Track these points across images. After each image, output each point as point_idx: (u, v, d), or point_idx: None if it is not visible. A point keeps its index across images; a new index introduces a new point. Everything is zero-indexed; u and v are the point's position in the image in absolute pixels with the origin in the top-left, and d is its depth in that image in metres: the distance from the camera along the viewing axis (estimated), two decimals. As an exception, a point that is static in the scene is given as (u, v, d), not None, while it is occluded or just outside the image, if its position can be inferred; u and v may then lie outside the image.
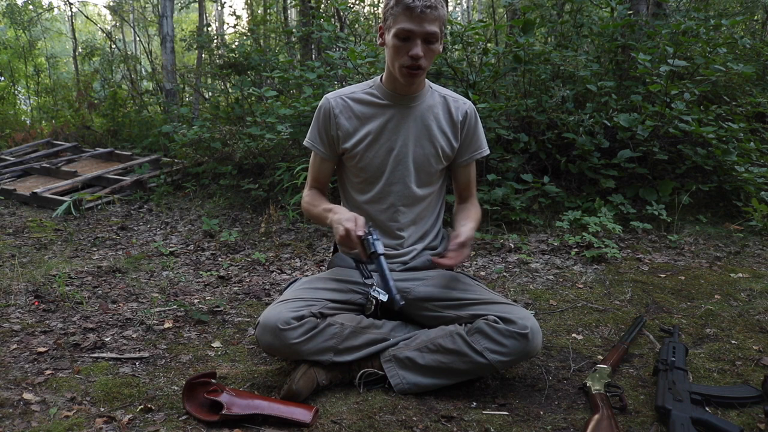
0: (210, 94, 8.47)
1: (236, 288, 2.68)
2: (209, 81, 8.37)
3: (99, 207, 4.72)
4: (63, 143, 7.02)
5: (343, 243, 1.63)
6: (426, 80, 1.83)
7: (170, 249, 3.44)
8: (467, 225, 1.74)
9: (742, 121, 3.65)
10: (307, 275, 2.57)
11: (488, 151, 1.90)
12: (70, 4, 12.11)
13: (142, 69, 10.78)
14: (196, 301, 2.48)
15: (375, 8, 9.51)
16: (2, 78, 11.70)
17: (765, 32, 6.24)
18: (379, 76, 1.81)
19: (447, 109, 1.81)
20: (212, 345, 2.01)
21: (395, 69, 1.69)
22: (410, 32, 1.62)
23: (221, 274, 2.90)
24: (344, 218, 1.63)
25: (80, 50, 12.10)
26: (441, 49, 1.72)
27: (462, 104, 1.83)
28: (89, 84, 9.75)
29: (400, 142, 1.78)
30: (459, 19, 15.90)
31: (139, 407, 1.55)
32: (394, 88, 1.77)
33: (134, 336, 2.07)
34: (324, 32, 4.72)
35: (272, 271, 2.96)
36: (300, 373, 1.60)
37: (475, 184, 1.93)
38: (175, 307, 2.37)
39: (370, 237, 1.61)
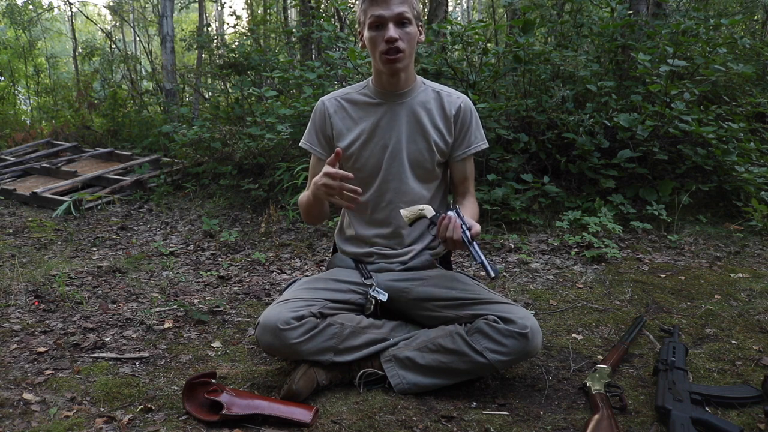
0: (210, 94, 8.47)
1: (236, 288, 2.68)
2: (209, 81, 8.38)
3: (99, 207, 4.72)
4: (63, 143, 7.02)
5: (329, 191, 1.57)
6: (418, 77, 1.84)
7: (170, 249, 3.44)
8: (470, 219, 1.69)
9: (742, 121, 3.65)
10: (307, 275, 2.58)
11: (486, 145, 1.86)
12: (70, 4, 12.12)
13: (142, 69, 10.79)
14: (196, 301, 2.48)
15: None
16: (2, 78, 11.70)
17: (765, 32, 6.24)
18: (371, 78, 1.82)
19: (440, 104, 1.81)
20: (212, 345, 2.01)
21: (378, 62, 1.71)
22: (380, 17, 1.64)
23: (221, 274, 2.90)
24: (317, 178, 1.61)
25: (80, 50, 12.11)
26: (421, 36, 1.72)
27: (455, 98, 1.82)
28: (89, 84, 9.76)
29: (394, 139, 1.78)
30: (459, 19, 15.91)
31: (139, 407, 1.55)
32: (382, 85, 1.78)
33: (134, 336, 2.07)
34: (324, 32, 4.72)
35: (272, 271, 2.96)
36: (300, 373, 1.60)
37: (473, 180, 1.91)
38: (175, 307, 2.37)
39: (454, 212, 1.59)
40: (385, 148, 1.78)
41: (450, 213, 1.60)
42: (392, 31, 1.64)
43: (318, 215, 1.84)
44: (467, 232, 1.57)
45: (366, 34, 1.69)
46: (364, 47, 1.75)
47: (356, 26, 1.77)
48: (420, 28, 1.72)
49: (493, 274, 1.50)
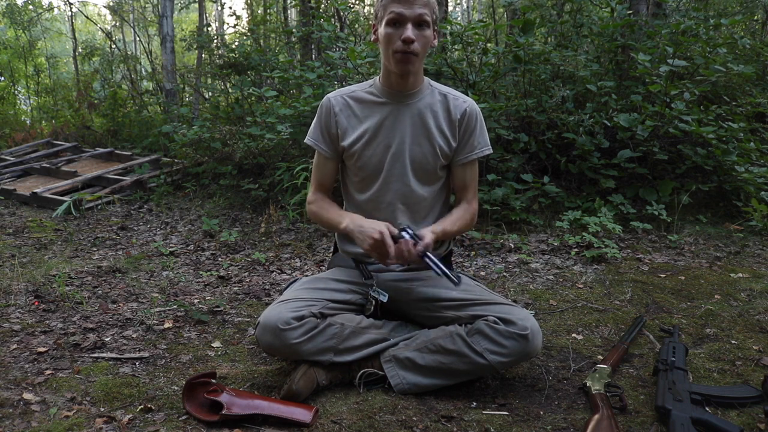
0: (210, 94, 8.47)
1: (236, 288, 2.68)
2: (209, 81, 8.37)
3: (99, 207, 4.72)
4: (63, 143, 7.02)
5: (376, 249, 1.62)
6: (426, 78, 1.83)
7: (170, 249, 3.44)
8: (433, 227, 1.71)
9: (742, 121, 3.65)
10: (307, 275, 2.57)
11: (489, 151, 1.85)
12: (70, 4, 12.13)
13: (142, 69, 10.79)
14: (196, 301, 2.48)
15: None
16: (2, 78, 11.70)
17: (765, 32, 6.24)
18: (378, 76, 1.82)
19: (446, 108, 1.80)
20: (212, 345, 2.01)
21: (389, 59, 1.69)
22: (401, 15, 1.62)
23: (221, 274, 2.90)
24: (369, 225, 1.64)
25: (80, 50, 12.11)
26: (434, 41, 1.71)
27: (461, 102, 1.81)
28: (89, 84, 9.75)
29: (398, 139, 1.77)
30: (459, 19, 15.90)
31: (139, 407, 1.55)
32: (390, 85, 1.77)
33: (134, 336, 2.07)
34: (324, 32, 4.72)
35: (272, 271, 2.96)
36: (300, 373, 1.60)
37: (474, 187, 1.87)
38: (175, 307, 2.37)
39: (406, 233, 1.61)
40: (388, 148, 1.77)
41: (403, 235, 1.61)
42: (410, 31, 1.62)
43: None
44: (423, 248, 1.58)
45: (382, 30, 1.67)
46: (376, 41, 1.74)
47: (372, 20, 1.76)
48: (435, 33, 1.71)
49: (457, 282, 1.55)
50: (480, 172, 3.68)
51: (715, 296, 2.40)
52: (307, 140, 1.86)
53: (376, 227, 1.61)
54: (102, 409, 1.55)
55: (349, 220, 1.72)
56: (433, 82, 1.84)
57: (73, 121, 8.73)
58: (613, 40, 4.14)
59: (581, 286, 2.58)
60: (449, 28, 4.09)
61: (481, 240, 3.25)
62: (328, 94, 1.84)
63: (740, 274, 2.65)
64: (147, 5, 13.68)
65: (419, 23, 1.64)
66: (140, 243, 3.65)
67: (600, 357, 1.88)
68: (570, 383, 1.72)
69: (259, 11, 10.98)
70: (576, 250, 3.02)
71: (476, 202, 1.88)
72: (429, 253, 1.58)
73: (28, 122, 10.39)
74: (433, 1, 1.66)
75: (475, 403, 1.60)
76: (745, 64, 4.02)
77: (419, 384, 1.63)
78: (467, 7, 17.30)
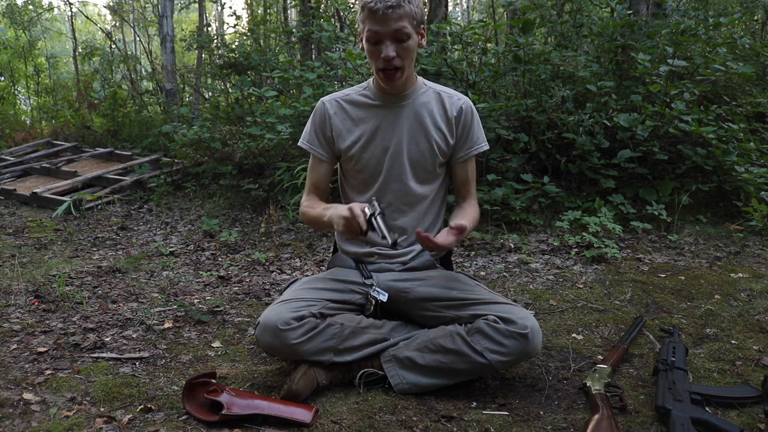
0: (210, 94, 8.47)
1: (236, 288, 2.68)
2: (209, 81, 8.38)
3: (99, 207, 4.72)
4: (63, 143, 7.02)
5: (349, 226, 1.56)
6: (419, 77, 1.83)
7: (170, 249, 3.44)
8: (464, 219, 1.69)
9: (742, 121, 3.65)
10: (307, 275, 2.57)
11: (487, 147, 1.86)
12: (70, 4, 12.13)
13: (142, 69, 10.79)
14: (196, 301, 2.48)
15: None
16: (2, 78, 11.70)
17: (765, 32, 6.24)
18: (372, 77, 1.82)
19: (441, 105, 1.81)
20: (212, 345, 2.01)
21: (376, 73, 1.71)
22: (377, 34, 1.62)
23: (221, 274, 2.90)
24: (342, 206, 1.61)
25: (80, 50, 12.12)
26: (422, 41, 1.69)
27: (456, 100, 1.82)
28: (89, 84, 9.76)
29: (395, 141, 1.78)
30: (459, 19, 15.90)
31: (139, 407, 1.55)
32: (383, 88, 1.78)
33: (134, 336, 2.07)
34: (324, 32, 4.72)
35: (272, 271, 2.96)
36: (300, 374, 1.60)
37: (474, 182, 1.90)
38: (175, 307, 2.37)
39: (367, 209, 1.56)
40: (386, 150, 1.78)
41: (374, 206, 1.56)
42: (389, 49, 1.62)
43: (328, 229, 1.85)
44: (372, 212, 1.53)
45: (364, 44, 1.68)
46: (362, 50, 1.74)
47: (357, 28, 1.77)
48: (423, 31, 1.70)
49: (390, 241, 1.47)
50: (480, 172, 3.69)
51: (715, 296, 2.40)
52: (302, 144, 1.86)
53: (346, 206, 1.58)
54: (102, 409, 1.55)
55: (330, 211, 1.68)
56: (426, 81, 1.85)
57: (73, 121, 8.73)
58: (613, 40, 4.14)
59: (581, 286, 2.58)
60: (449, 28, 4.09)
61: (481, 240, 3.25)
62: (323, 98, 1.85)
63: (740, 274, 2.65)
64: (147, 5, 13.68)
65: (398, 38, 1.62)
66: (140, 243, 3.65)
67: (600, 357, 1.88)
68: (570, 383, 1.72)
69: (259, 11, 10.99)
70: (576, 250, 3.02)
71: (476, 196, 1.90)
72: (376, 218, 1.52)
73: (28, 122, 10.40)
74: (411, 9, 1.61)
75: (475, 403, 1.60)
76: (745, 64, 4.01)
77: (419, 384, 1.63)
78: (467, 7, 17.31)
